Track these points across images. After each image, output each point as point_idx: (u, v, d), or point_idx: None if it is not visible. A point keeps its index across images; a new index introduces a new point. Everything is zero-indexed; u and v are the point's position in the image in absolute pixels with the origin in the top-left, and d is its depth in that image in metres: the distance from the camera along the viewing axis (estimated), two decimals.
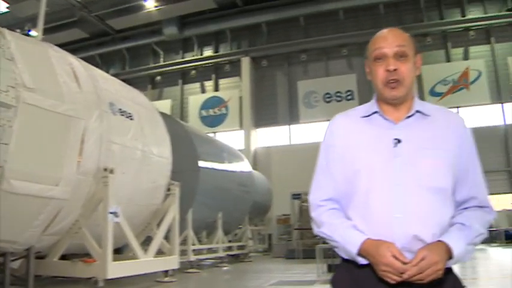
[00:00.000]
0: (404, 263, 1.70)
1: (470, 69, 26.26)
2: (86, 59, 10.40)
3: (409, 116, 1.95)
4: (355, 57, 27.18)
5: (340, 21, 27.65)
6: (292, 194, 21.34)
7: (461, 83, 26.24)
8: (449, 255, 1.75)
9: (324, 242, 14.14)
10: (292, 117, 28.10)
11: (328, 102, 27.48)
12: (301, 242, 18.43)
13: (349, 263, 1.89)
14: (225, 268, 14.87)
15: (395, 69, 1.90)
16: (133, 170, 9.15)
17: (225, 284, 11.66)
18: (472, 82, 26.14)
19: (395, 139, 1.89)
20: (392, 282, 1.72)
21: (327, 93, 27.63)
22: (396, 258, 1.71)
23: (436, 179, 1.85)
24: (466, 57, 26.76)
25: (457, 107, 25.93)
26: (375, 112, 1.99)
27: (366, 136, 1.95)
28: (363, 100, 26.44)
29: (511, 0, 25.99)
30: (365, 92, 26.02)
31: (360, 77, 26.54)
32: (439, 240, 1.77)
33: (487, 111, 25.75)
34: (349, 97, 27.09)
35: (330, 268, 12.45)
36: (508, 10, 25.92)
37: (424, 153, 1.86)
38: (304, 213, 20.46)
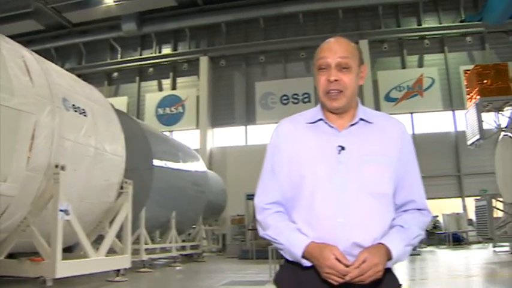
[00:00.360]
0: (347, 266, 1.76)
1: (424, 77, 26.97)
2: (40, 52, 10.13)
3: (352, 124, 2.00)
4: (313, 61, 27.39)
5: (299, 25, 27.91)
6: (246, 194, 21.29)
7: (415, 90, 26.89)
8: (389, 257, 1.84)
9: None
10: (249, 118, 28.13)
11: (285, 104, 27.63)
12: (255, 242, 18.43)
13: (294, 264, 1.93)
14: (178, 268, 14.73)
15: (336, 80, 1.95)
16: (86, 167, 8.95)
17: (178, 284, 11.56)
18: (426, 89, 26.85)
19: (339, 146, 1.94)
20: (335, 283, 1.78)
21: (284, 95, 27.78)
22: (339, 261, 1.77)
23: (378, 185, 1.92)
24: (420, 64, 27.50)
25: (411, 113, 26.64)
26: (320, 119, 2.04)
27: (311, 142, 1.99)
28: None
29: (465, 12, 26.90)
30: None
31: None
32: (379, 243, 1.85)
33: (439, 117, 26.51)
34: (306, 99, 27.31)
35: None
36: (461, 21, 26.81)
37: (366, 160, 1.92)
38: None
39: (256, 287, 9.72)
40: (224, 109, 28.48)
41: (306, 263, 1.86)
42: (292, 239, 1.90)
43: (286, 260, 1.98)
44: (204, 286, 10.25)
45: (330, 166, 1.91)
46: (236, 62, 28.87)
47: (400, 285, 1.98)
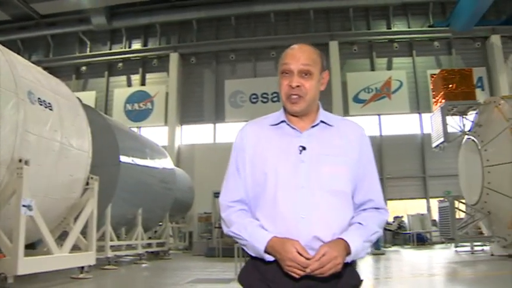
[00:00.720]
0: (308, 259, 1.84)
1: (392, 79, 27.40)
2: (6, 43, 9.92)
3: (313, 126, 2.10)
4: None
5: (271, 24, 28.02)
6: (214, 192, 21.27)
7: (383, 92, 27.28)
8: (348, 251, 1.92)
9: None
10: (218, 116, 28.06)
11: (254, 102, 27.69)
12: (222, 240, 18.42)
13: (257, 260, 2.00)
14: (143, 265, 14.63)
15: (298, 86, 2.04)
16: (50, 162, 8.80)
17: (143, 281, 11.45)
18: (394, 92, 27.27)
19: (301, 146, 2.04)
20: (297, 276, 1.85)
21: (254, 94, 27.83)
22: (300, 255, 1.84)
23: (337, 183, 2.02)
24: (389, 67, 27.93)
25: (379, 115, 27.00)
26: (283, 121, 2.12)
27: (275, 143, 2.08)
28: None
29: (433, 18, 27.45)
30: None
31: None
32: (339, 238, 1.94)
33: (406, 120, 26.95)
34: (275, 99, 27.36)
35: None
36: (430, 26, 27.35)
37: (326, 160, 2.02)
38: None
39: (222, 284, 9.70)
40: (193, 106, 28.34)
41: (269, 257, 1.92)
42: (255, 235, 1.96)
43: (250, 257, 2.04)
44: (170, 284, 10.20)
45: (292, 165, 2.00)
46: (206, 59, 28.77)
47: (362, 280, 2.05)
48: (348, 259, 1.93)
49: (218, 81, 28.46)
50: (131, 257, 15.91)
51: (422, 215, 23.95)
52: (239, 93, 28.03)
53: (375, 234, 2.04)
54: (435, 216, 22.31)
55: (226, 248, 17.00)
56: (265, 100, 27.65)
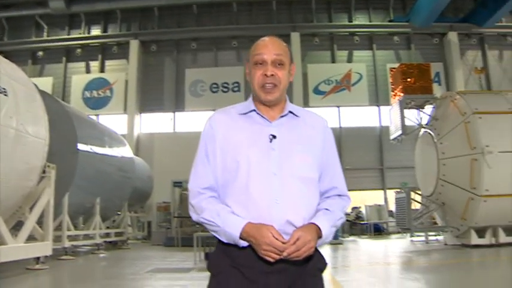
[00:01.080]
0: (283, 243, 1.91)
1: (352, 72, 27.76)
2: None
3: (282, 116, 2.18)
4: (245, 50, 27.42)
5: (233, 13, 27.92)
6: (173, 181, 21.18)
7: (343, 84, 27.61)
8: (319, 235, 2.01)
9: (203, 231, 14.17)
10: (178, 105, 27.78)
11: (214, 92, 27.55)
12: (181, 230, 18.39)
13: (228, 246, 2.03)
14: (101, 255, 14.44)
15: (272, 75, 2.11)
16: (5, 150, 8.52)
17: (101, 272, 11.33)
18: (354, 84, 27.66)
19: (271, 135, 2.10)
20: (272, 260, 1.91)
21: (214, 84, 27.68)
22: (276, 239, 1.90)
23: (306, 170, 2.11)
24: (349, 60, 28.28)
25: (338, 106, 27.33)
26: (253, 110, 2.18)
27: (245, 131, 2.13)
28: (249, 93, 26.60)
29: (394, 13, 27.93)
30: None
31: None
32: (311, 222, 2.03)
33: (365, 112, 27.38)
34: (235, 89, 27.35)
35: (207, 256, 12.59)
36: (390, 21, 27.82)
37: (295, 148, 2.11)
38: (184, 201, 20.38)
39: (182, 273, 9.69)
40: (153, 95, 27.97)
41: (243, 243, 1.96)
42: (229, 221, 1.99)
43: (220, 243, 2.07)
44: (129, 273, 10.12)
45: (263, 153, 2.06)
46: (167, 47, 28.41)
47: (326, 264, 2.17)
48: (319, 243, 2.03)
49: (179, 69, 28.16)
50: (89, 247, 15.67)
51: (379, 205, 24.42)
52: (200, 82, 27.84)
53: (340, 219, 2.16)
54: (392, 207, 22.85)
55: (185, 237, 16.99)
56: (225, 90, 27.55)
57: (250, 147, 2.07)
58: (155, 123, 27.96)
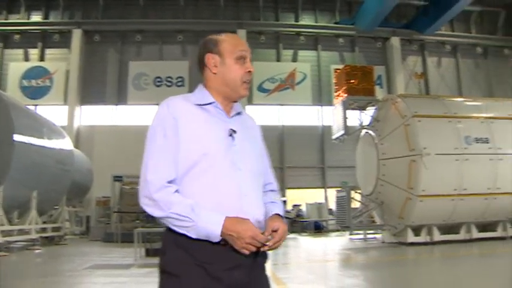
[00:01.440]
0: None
1: (297, 71, 28.11)
2: None
3: (238, 113, 2.23)
4: (190, 45, 27.28)
5: (179, 7, 27.61)
6: (113, 175, 20.81)
7: (287, 83, 27.91)
8: None
9: (144, 226, 13.94)
10: (120, 98, 27.14)
11: (158, 86, 27.15)
12: (120, 225, 18.09)
13: (192, 243, 1.93)
14: (37, 251, 13.98)
15: (251, 72, 2.18)
16: None
17: (36, 268, 10.97)
18: (298, 83, 28.02)
19: (231, 129, 2.11)
20: (248, 253, 1.93)
21: (158, 77, 27.28)
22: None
23: (259, 166, 2.22)
24: (294, 59, 28.60)
25: (282, 105, 27.57)
26: (212, 103, 2.14)
27: (208, 123, 2.09)
28: (193, 88, 26.41)
29: (340, 16, 28.48)
30: (196, 80, 26.31)
31: (192, 64, 26.69)
32: (276, 214, 2.15)
33: (308, 111, 27.76)
34: (179, 83, 27.06)
35: (148, 252, 12.44)
36: (336, 23, 28.35)
37: (248, 144, 2.16)
38: (124, 196, 20.08)
39: (122, 270, 9.52)
40: (95, 86, 27.12)
41: (218, 239, 1.91)
42: (206, 216, 1.92)
43: (180, 240, 1.95)
44: (66, 270, 9.84)
45: (226, 147, 2.06)
46: (111, 38, 27.69)
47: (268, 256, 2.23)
48: None
49: (122, 61, 27.52)
50: (24, 243, 15.13)
51: (319, 203, 24.80)
52: (143, 75, 27.36)
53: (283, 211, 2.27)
54: (332, 205, 23.27)
55: (125, 233, 16.73)
56: (169, 84, 27.21)
57: (214, 140, 2.04)
58: (96, 115, 27.22)
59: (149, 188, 1.95)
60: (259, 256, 2.04)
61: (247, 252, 1.91)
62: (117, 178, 20.69)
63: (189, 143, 2.01)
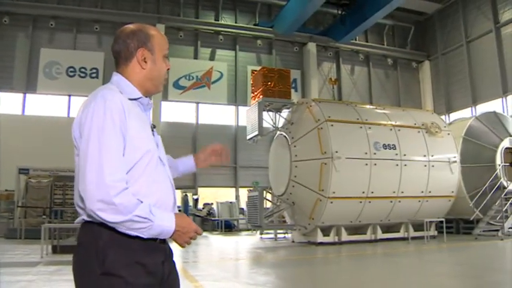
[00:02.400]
0: None
1: (214, 70, 28.05)
2: None
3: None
4: (107, 36, 26.33)
5: None
6: (19, 168, 19.84)
7: (203, 81, 27.80)
8: None
9: (51, 222, 13.39)
10: (29, 86, 25.39)
11: (71, 76, 25.87)
12: (25, 220, 17.31)
13: (133, 241, 1.87)
14: None
15: None
16: None
17: None
18: (214, 82, 27.96)
19: (152, 125, 2.17)
20: (186, 246, 2.04)
21: (71, 67, 25.98)
22: None
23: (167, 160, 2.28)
24: (212, 58, 28.54)
25: (197, 103, 27.46)
26: (140, 98, 2.13)
27: (142, 120, 2.06)
28: (107, 80, 25.63)
29: (259, 18, 28.89)
30: (110, 73, 25.10)
31: (108, 56, 25.88)
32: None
33: (223, 110, 27.84)
34: (93, 75, 25.98)
35: (55, 249, 11.99)
36: (255, 25, 28.65)
37: (160, 138, 2.22)
38: (30, 189, 19.25)
39: (27, 268, 9.09)
40: (1, 72, 25.57)
41: (167, 236, 1.96)
42: (160, 215, 1.89)
43: (118, 239, 1.86)
44: None
45: (154, 143, 2.09)
46: (22, 22, 25.89)
47: None
48: None
49: (33, 48, 25.85)
50: None
51: (231, 203, 24.99)
52: (55, 64, 25.97)
53: None
54: (243, 204, 23.52)
55: (30, 229, 16.08)
56: (83, 75, 26.05)
57: (147, 136, 2.04)
58: (1, 103, 25.60)
59: (109, 192, 1.77)
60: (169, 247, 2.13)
61: (186, 245, 2.03)
62: (23, 171, 19.75)
63: (133, 140, 1.93)
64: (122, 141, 1.89)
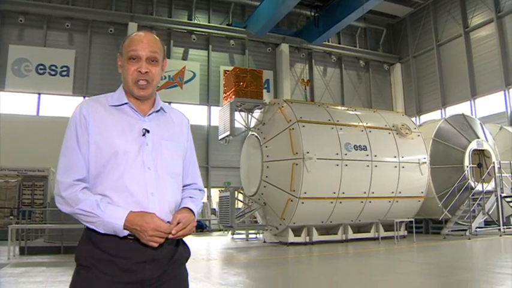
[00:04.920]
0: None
1: (186, 70, 27.90)
2: None
3: (156, 111, 2.25)
4: (79, 34, 26.02)
5: None
6: None
7: (176, 81, 27.63)
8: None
9: (18, 223, 13.16)
10: None
11: (41, 74, 25.34)
12: None
13: (102, 237, 2.01)
14: None
15: (146, 72, 2.16)
16: None
17: None
18: (186, 82, 27.81)
19: (144, 129, 2.15)
20: (156, 245, 1.99)
21: (41, 65, 25.47)
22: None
23: (176, 166, 2.23)
24: (185, 57, 28.40)
25: (169, 102, 27.21)
26: (125, 103, 2.18)
27: (120, 124, 2.13)
28: (78, 78, 25.86)
29: (232, 18, 28.85)
30: (81, 71, 25.38)
31: (79, 54, 25.59)
32: (185, 207, 2.19)
33: (195, 110, 27.68)
34: (64, 73, 25.49)
35: (23, 250, 11.77)
36: (228, 25, 28.62)
37: (165, 144, 2.20)
38: None
39: None
40: None
41: (125, 232, 1.99)
42: (110, 211, 1.98)
43: (91, 235, 2.04)
44: None
45: (138, 147, 2.10)
46: None
47: (190, 253, 2.32)
48: None
49: (1, 44, 25.24)
50: None
51: (202, 203, 24.81)
52: (25, 61, 25.39)
53: (200, 207, 2.35)
54: (215, 205, 23.45)
55: None
56: (53, 73, 25.55)
57: (124, 141, 2.08)
58: None
59: (59, 187, 2.04)
60: (177, 252, 2.14)
61: (154, 244, 1.98)
62: None
63: (99, 144, 2.07)
64: (79, 144, 2.08)
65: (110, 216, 1.97)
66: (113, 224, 1.96)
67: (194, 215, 2.17)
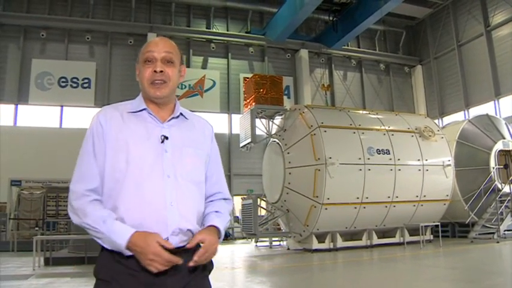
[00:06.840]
0: (171, 250, 1.88)
1: (206, 78, 27.99)
2: None
3: (174, 117, 2.17)
4: (99, 46, 26.36)
5: (89, 6, 26.49)
6: (11, 180, 19.69)
7: (196, 89, 27.72)
8: (218, 237, 2.08)
9: (43, 234, 13.28)
10: (21, 97, 25.20)
11: (63, 87, 25.73)
12: (17, 233, 17.14)
13: (113, 253, 1.95)
14: None
15: (161, 71, 2.11)
16: None
17: None
18: (206, 90, 27.89)
19: (163, 136, 2.08)
20: (155, 271, 1.86)
21: (63, 77, 25.85)
22: (163, 247, 1.86)
23: (197, 174, 2.15)
24: (204, 66, 28.50)
25: (191, 111, 27.20)
26: (144, 109, 2.13)
27: (137, 131, 2.07)
28: (100, 90, 26.15)
29: (251, 25, 28.90)
30: (102, 83, 25.65)
31: (99, 66, 25.91)
32: (211, 225, 2.09)
33: (216, 119, 27.71)
34: (85, 85, 25.85)
35: (48, 261, 11.86)
36: (247, 33, 28.67)
37: (186, 151, 2.12)
38: (23, 201, 19.14)
39: (20, 281, 8.97)
40: None
41: (128, 252, 1.90)
42: (115, 229, 1.91)
43: (104, 249, 1.98)
44: None
45: (156, 154, 2.03)
46: (13, 32, 25.73)
47: (213, 265, 2.18)
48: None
49: (24, 59, 25.70)
50: None
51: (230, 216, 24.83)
52: (47, 74, 25.82)
53: (228, 221, 2.23)
54: (238, 213, 23.39)
55: (23, 241, 15.93)
56: (75, 85, 25.92)
57: (142, 148, 2.03)
58: None
59: (70, 196, 2.01)
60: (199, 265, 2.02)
61: (153, 270, 1.86)
62: (15, 182, 19.62)
63: (116, 152, 2.02)
64: (95, 153, 2.03)
65: (114, 234, 1.90)
66: (116, 243, 1.90)
67: (220, 233, 2.09)
